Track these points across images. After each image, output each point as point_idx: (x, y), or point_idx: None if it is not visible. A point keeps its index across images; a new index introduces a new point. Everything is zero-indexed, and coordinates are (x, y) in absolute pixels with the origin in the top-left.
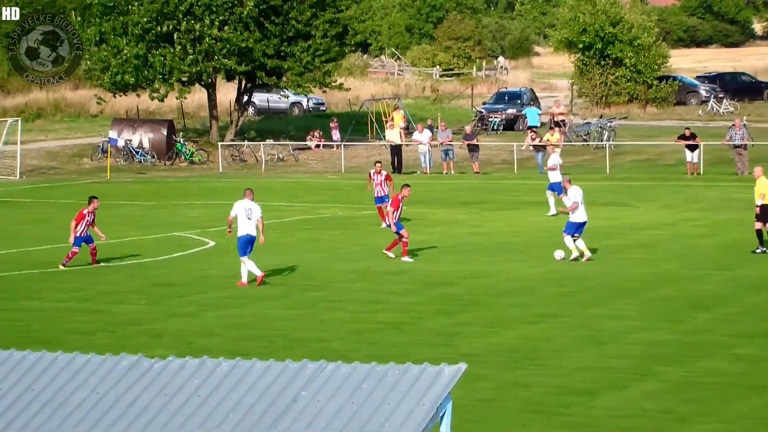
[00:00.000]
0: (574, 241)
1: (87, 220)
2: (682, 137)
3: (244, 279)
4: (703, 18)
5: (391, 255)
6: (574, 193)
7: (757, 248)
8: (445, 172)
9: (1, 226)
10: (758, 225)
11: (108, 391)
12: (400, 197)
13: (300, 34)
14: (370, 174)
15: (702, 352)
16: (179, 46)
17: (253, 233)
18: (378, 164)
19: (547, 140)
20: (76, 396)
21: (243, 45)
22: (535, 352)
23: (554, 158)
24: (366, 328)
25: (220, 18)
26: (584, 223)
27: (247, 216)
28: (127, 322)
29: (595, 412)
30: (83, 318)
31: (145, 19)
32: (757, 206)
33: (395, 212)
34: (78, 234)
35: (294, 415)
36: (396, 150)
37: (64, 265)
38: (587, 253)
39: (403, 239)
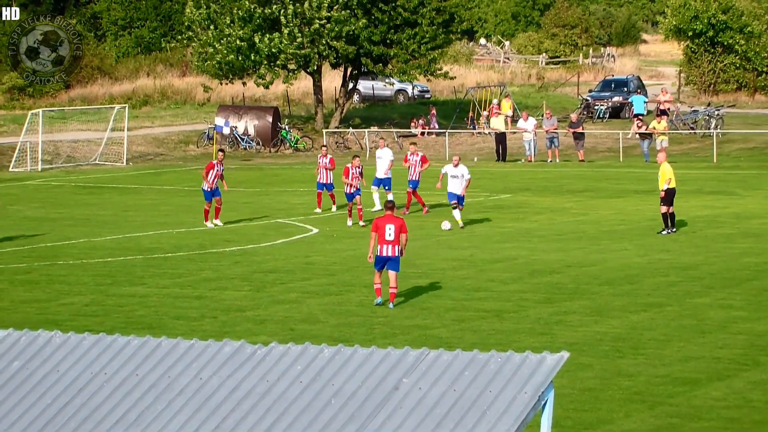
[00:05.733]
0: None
1: None
2: None
3: None
4: None
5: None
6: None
7: (663, 230)
8: (549, 160)
9: (107, 211)
10: (663, 209)
11: (211, 377)
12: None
13: (407, 21)
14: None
15: None
16: (287, 30)
17: None
18: (324, 147)
19: (653, 128)
20: (179, 381)
21: (350, 29)
22: (639, 342)
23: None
24: (469, 315)
25: (327, 2)
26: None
27: None
28: (231, 309)
29: (698, 402)
30: (187, 304)
31: (248, 2)
32: (662, 191)
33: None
34: None
35: (395, 402)
36: (500, 138)
37: None
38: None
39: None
